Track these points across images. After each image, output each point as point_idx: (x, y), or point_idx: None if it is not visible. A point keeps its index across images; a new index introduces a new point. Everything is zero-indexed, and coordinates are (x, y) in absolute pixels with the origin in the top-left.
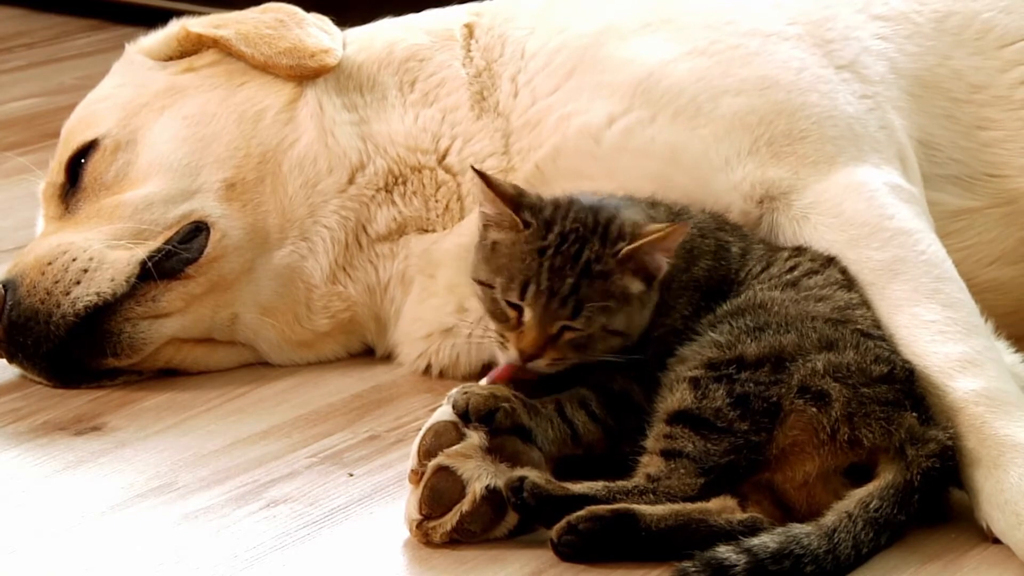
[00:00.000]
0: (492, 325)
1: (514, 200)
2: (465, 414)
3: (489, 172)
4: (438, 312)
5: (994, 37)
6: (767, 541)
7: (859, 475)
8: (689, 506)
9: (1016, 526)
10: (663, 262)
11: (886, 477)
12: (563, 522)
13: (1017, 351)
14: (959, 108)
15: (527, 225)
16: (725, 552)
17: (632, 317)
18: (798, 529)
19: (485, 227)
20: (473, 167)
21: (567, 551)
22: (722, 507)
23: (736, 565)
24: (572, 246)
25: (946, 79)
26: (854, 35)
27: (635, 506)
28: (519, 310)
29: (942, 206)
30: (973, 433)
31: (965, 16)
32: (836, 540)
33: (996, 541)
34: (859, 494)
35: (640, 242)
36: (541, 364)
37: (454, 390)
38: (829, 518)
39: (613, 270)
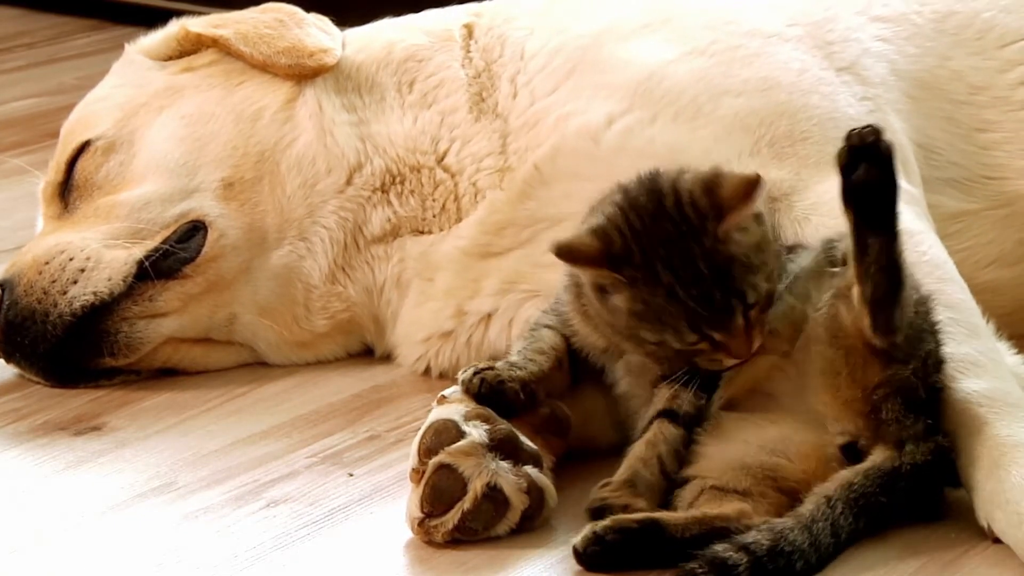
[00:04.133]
0: (695, 361)
1: (605, 255)
2: None
3: (486, 171)
4: (437, 316)
5: (994, 37)
6: (760, 539)
7: (853, 454)
8: (710, 513)
9: (1017, 525)
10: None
11: (875, 460)
12: (588, 531)
13: (1018, 352)
14: (959, 110)
15: (633, 280)
16: (725, 552)
17: (775, 255)
18: (782, 524)
19: (603, 294)
20: (552, 248)
21: (592, 561)
22: (740, 513)
23: (739, 565)
24: (686, 265)
25: (946, 80)
26: (854, 37)
27: (660, 515)
28: (706, 338)
29: (940, 208)
30: (975, 433)
31: (965, 16)
32: (815, 531)
33: (997, 541)
34: (844, 475)
35: (729, 221)
36: (756, 347)
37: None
38: (807, 506)
39: (727, 247)
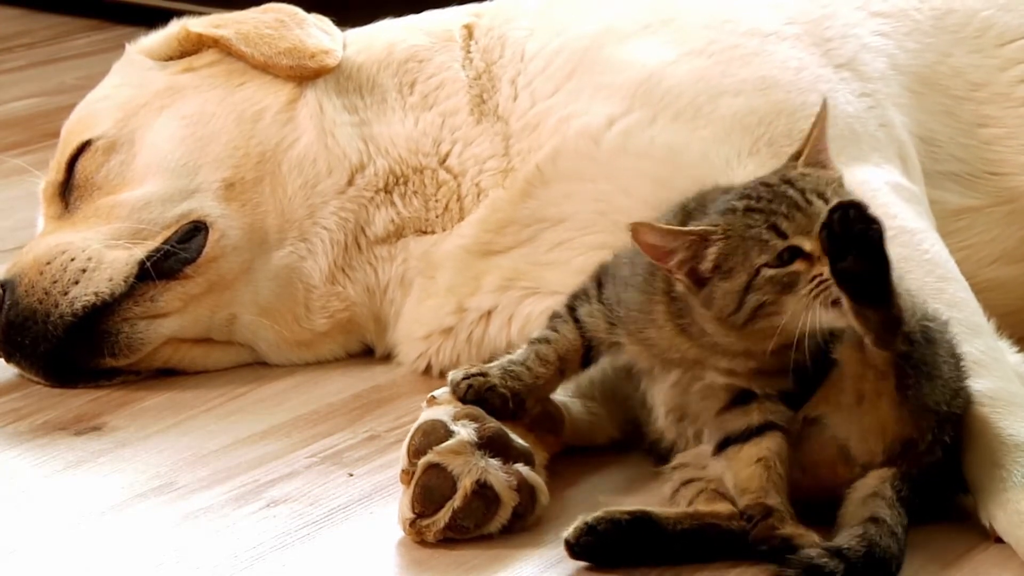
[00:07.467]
0: (796, 301)
1: (680, 221)
2: None
3: (489, 173)
4: (437, 313)
5: (994, 35)
6: (855, 545)
7: None
8: (703, 510)
9: (1018, 525)
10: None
11: (902, 466)
12: (580, 523)
13: (1020, 351)
14: (959, 105)
15: (713, 226)
16: (820, 558)
17: None
18: (873, 531)
19: (697, 281)
20: (631, 225)
21: (585, 551)
22: (732, 513)
23: (835, 572)
24: (759, 185)
25: (946, 76)
26: (853, 32)
27: (653, 508)
28: (796, 253)
29: (943, 204)
30: (977, 433)
31: (964, 13)
32: (899, 536)
33: (999, 540)
34: (886, 478)
35: (806, 150)
36: None
37: None
38: (884, 512)
39: (804, 171)
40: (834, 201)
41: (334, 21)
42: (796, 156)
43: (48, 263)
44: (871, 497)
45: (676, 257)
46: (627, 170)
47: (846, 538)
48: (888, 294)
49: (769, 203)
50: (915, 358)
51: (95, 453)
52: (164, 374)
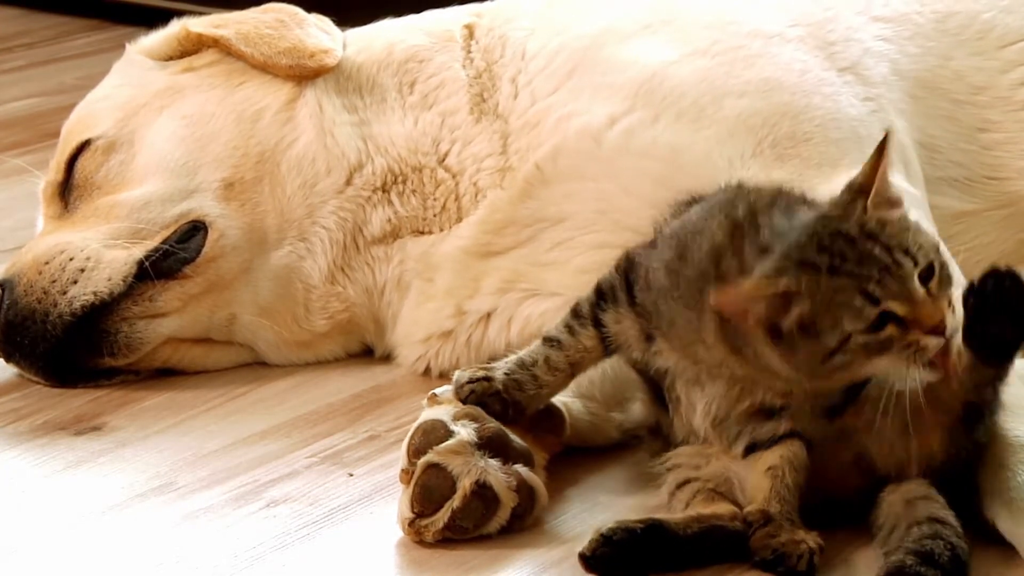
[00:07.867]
0: (887, 361)
1: (759, 283)
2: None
3: (487, 172)
4: (436, 316)
5: (995, 37)
6: (941, 550)
7: None
8: (705, 512)
9: (1022, 524)
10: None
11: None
12: (595, 535)
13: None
14: (960, 110)
15: (796, 285)
16: (917, 566)
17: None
18: (947, 532)
19: (776, 338)
20: (712, 299)
21: (602, 563)
22: (733, 514)
23: None
24: (837, 239)
25: (947, 80)
26: (856, 37)
27: (661, 516)
28: (888, 318)
29: (942, 209)
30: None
31: (966, 16)
32: (964, 537)
33: (1002, 539)
34: (927, 482)
35: (875, 187)
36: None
37: None
38: (945, 513)
39: (878, 216)
40: (920, 256)
41: (334, 21)
42: (860, 190)
43: (47, 263)
44: (922, 500)
45: (754, 314)
46: (629, 169)
47: (922, 541)
48: (1013, 357)
49: (857, 266)
50: (991, 401)
51: (95, 453)
52: (164, 374)
